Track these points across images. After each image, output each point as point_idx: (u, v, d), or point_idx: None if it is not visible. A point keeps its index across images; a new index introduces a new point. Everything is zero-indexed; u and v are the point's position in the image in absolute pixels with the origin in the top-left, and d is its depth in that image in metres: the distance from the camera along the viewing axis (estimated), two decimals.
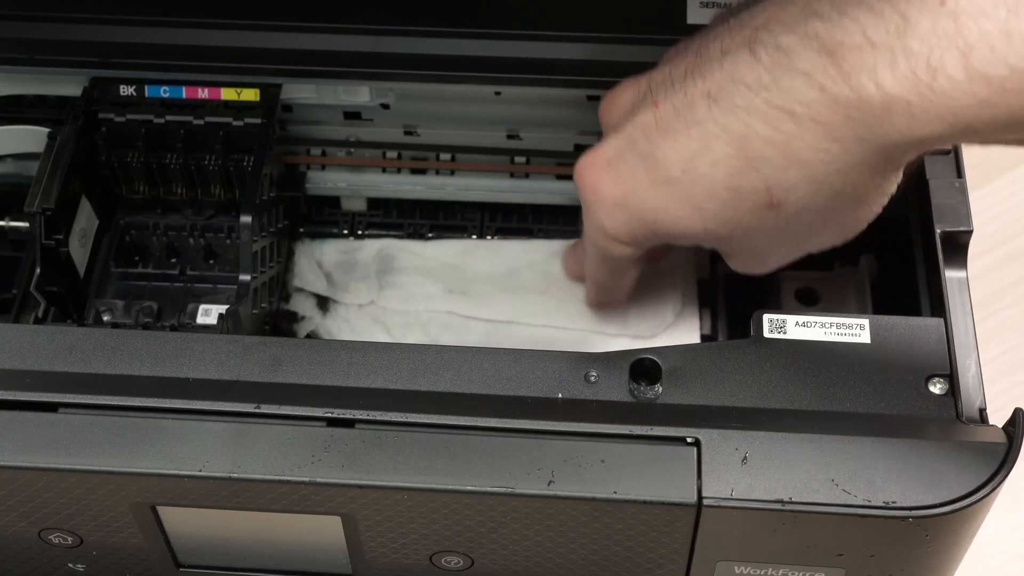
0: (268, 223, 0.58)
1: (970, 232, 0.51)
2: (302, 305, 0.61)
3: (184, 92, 0.58)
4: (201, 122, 0.58)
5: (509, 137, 0.61)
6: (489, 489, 0.44)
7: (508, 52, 0.56)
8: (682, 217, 0.46)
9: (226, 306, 0.56)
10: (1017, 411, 0.45)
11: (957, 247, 0.51)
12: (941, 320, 0.49)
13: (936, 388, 0.47)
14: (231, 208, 0.61)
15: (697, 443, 0.44)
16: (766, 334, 0.49)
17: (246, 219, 0.55)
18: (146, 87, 0.58)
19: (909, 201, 0.54)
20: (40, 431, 0.45)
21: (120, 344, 0.48)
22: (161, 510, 0.47)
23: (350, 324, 0.60)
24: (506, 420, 0.45)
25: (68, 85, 0.59)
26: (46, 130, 0.58)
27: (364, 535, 0.47)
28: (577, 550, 0.47)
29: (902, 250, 0.54)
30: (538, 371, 0.48)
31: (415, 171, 0.63)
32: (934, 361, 0.48)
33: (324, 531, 0.47)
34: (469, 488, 0.44)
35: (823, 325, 0.49)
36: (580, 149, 0.61)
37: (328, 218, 0.64)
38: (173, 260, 0.61)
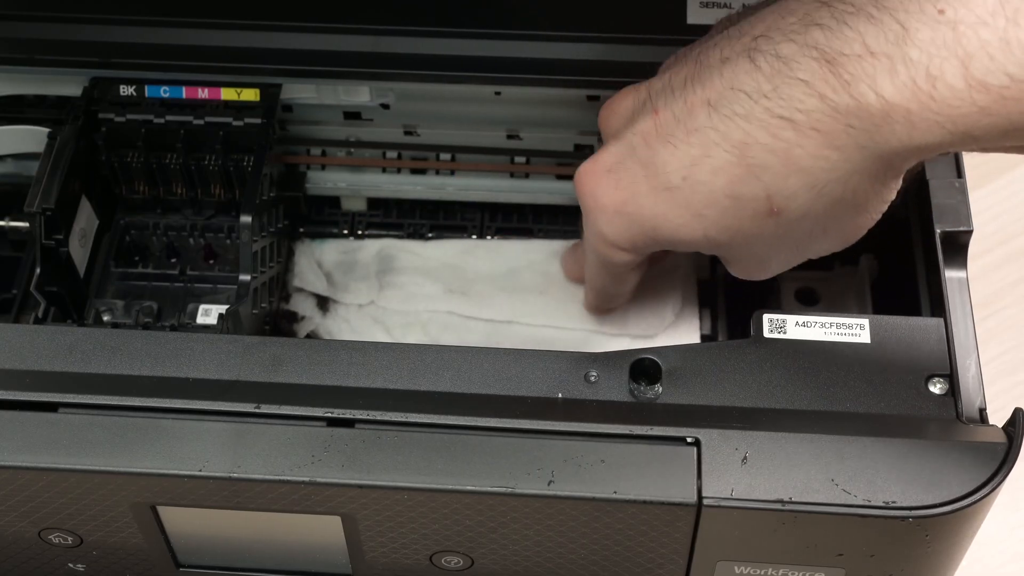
0: (268, 223, 0.58)
1: (970, 232, 0.51)
2: (302, 305, 0.61)
3: (184, 92, 0.58)
4: (201, 122, 0.58)
5: (509, 137, 0.61)
6: (489, 489, 0.44)
7: (508, 52, 0.56)
8: (682, 224, 0.46)
9: (226, 306, 0.56)
10: (1017, 411, 0.45)
11: (957, 247, 0.51)
12: (941, 320, 0.49)
13: (936, 388, 0.47)
14: (231, 208, 0.61)
15: (697, 443, 0.44)
16: (766, 334, 0.49)
17: (246, 219, 0.55)
18: (146, 87, 0.58)
19: (909, 201, 0.54)
20: (40, 431, 0.45)
21: (120, 344, 0.48)
22: (161, 510, 0.47)
23: (350, 324, 0.60)
24: (506, 420, 0.45)
25: (68, 85, 0.59)
26: (46, 130, 0.58)
27: (364, 535, 0.47)
28: (577, 550, 0.47)
29: (902, 250, 0.54)
30: (538, 371, 0.48)
31: (415, 171, 0.63)
32: (934, 361, 0.48)
33: (324, 531, 0.47)
34: (469, 488, 0.44)
35: (823, 325, 0.49)
36: (580, 149, 0.61)
37: (328, 218, 0.64)
38: (173, 260, 0.61)
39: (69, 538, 0.49)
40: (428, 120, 0.61)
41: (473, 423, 0.45)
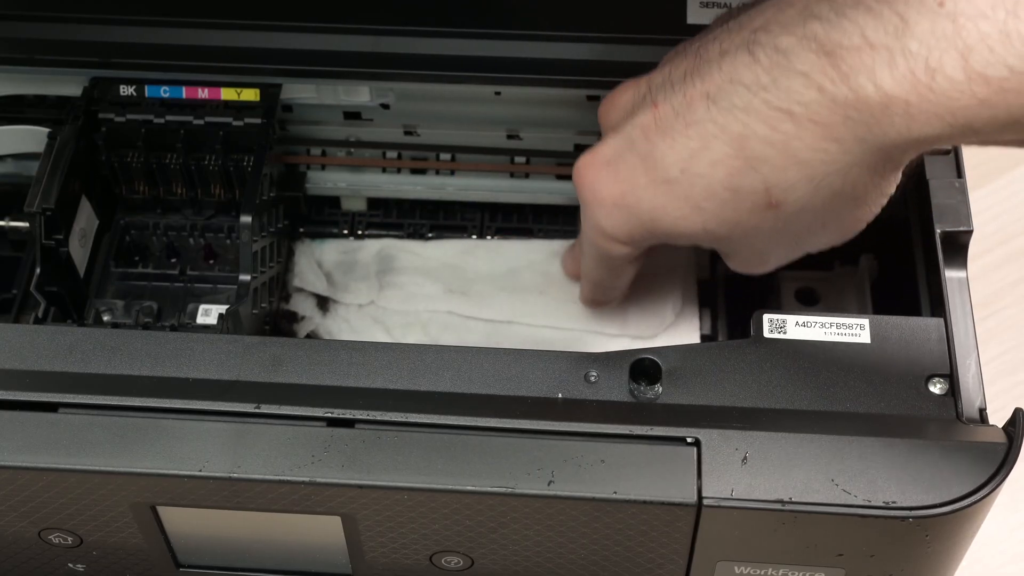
0: (268, 223, 0.58)
1: (970, 232, 0.51)
2: (302, 305, 0.61)
3: (184, 92, 0.58)
4: (201, 122, 0.58)
5: (509, 137, 0.61)
6: (489, 489, 0.44)
7: (508, 52, 0.56)
8: (680, 217, 0.46)
9: (226, 306, 0.56)
10: (1017, 411, 0.45)
11: (957, 247, 0.51)
12: (941, 320, 0.49)
13: (936, 388, 0.47)
14: (231, 208, 0.61)
15: (697, 443, 0.44)
16: (766, 334, 0.49)
17: (246, 219, 0.55)
18: (146, 87, 0.58)
19: (909, 201, 0.54)
20: (40, 431, 0.45)
21: (120, 344, 0.48)
22: (161, 510, 0.47)
23: (350, 324, 0.60)
24: (506, 420, 0.45)
25: (68, 85, 0.59)
26: (46, 130, 0.58)
27: (364, 535, 0.47)
28: (577, 550, 0.47)
29: (902, 250, 0.54)
30: (538, 371, 0.48)
31: (415, 171, 0.63)
32: (934, 361, 0.48)
33: (324, 531, 0.47)
34: (469, 488, 0.44)
35: (823, 325, 0.49)
36: (580, 149, 0.61)
37: (328, 218, 0.64)
38: (173, 260, 0.61)
39: (69, 538, 0.49)
40: (428, 120, 0.61)
41: (473, 423, 0.45)
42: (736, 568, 0.47)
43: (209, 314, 0.58)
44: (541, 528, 0.46)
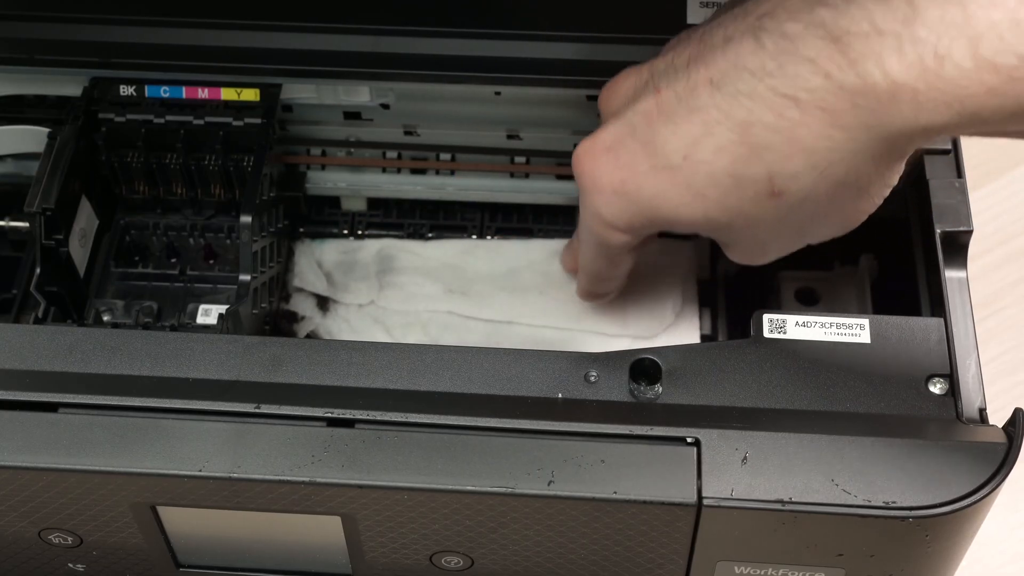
0: (268, 223, 0.58)
1: (970, 232, 0.51)
2: (302, 305, 0.61)
3: (184, 92, 0.58)
4: (201, 122, 0.58)
5: (509, 137, 0.61)
6: (489, 489, 0.44)
7: (508, 52, 0.56)
8: (682, 204, 0.45)
9: (226, 306, 0.56)
10: (1017, 411, 0.45)
11: (957, 247, 0.51)
12: (941, 320, 0.49)
13: (936, 388, 0.47)
14: (231, 208, 0.61)
15: (697, 443, 0.44)
16: (766, 334, 0.49)
17: (246, 219, 0.55)
18: (146, 87, 0.58)
19: (909, 201, 0.54)
20: (40, 431, 0.45)
21: (120, 344, 0.48)
22: (161, 510, 0.47)
23: (350, 324, 0.60)
24: (506, 420, 0.45)
25: (68, 85, 0.59)
26: (46, 130, 0.58)
27: (364, 535, 0.47)
28: (577, 550, 0.47)
29: (902, 250, 0.54)
30: (538, 371, 0.48)
31: (415, 171, 0.63)
32: (934, 361, 0.48)
33: (324, 531, 0.47)
34: (469, 488, 0.44)
35: (823, 325, 0.49)
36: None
37: (328, 218, 0.64)
38: (173, 260, 0.61)
39: (69, 538, 0.49)
40: (428, 120, 0.61)
41: (473, 423, 0.45)
42: (736, 568, 0.47)
43: (209, 314, 0.58)
44: (541, 528, 0.46)
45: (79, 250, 0.58)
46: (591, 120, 0.58)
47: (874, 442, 0.44)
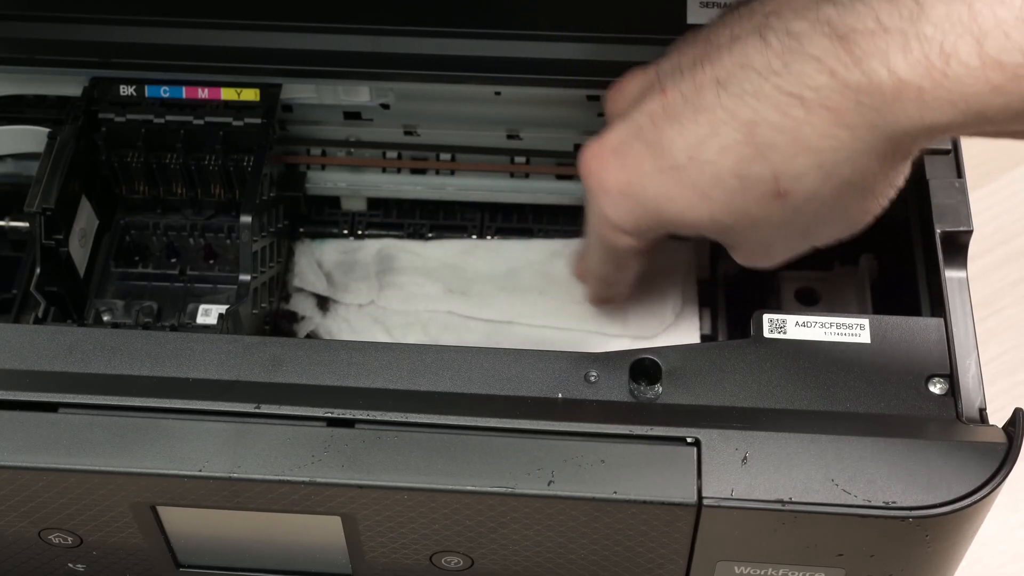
0: (268, 223, 0.58)
1: (970, 232, 0.51)
2: (302, 305, 0.61)
3: (184, 92, 0.58)
4: (201, 122, 0.58)
5: (509, 137, 0.61)
6: (489, 489, 0.44)
7: (508, 52, 0.56)
8: (687, 205, 0.45)
9: (226, 306, 0.56)
10: (1017, 411, 0.45)
11: (957, 247, 0.51)
12: (941, 320, 0.49)
13: (936, 388, 0.47)
14: (231, 208, 0.61)
15: (697, 443, 0.44)
16: (766, 334, 0.49)
17: (246, 219, 0.55)
18: (146, 87, 0.58)
19: (909, 201, 0.54)
20: (40, 431, 0.45)
21: (120, 344, 0.48)
22: (161, 510, 0.47)
23: (350, 324, 0.60)
24: (506, 420, 0.45)
25: (68, 85, 0.59)
26: (46, 130, 0.58)
27: (364, 535, 0.47)
28: (577, 550, 0.47)
29: (902, 250, 0.54)
30: (538, 371, 0.48)
31: (415, 171, 0.63)
32: (934, 361, 0.48)
33: (324, 531, 0.47)
34: (469, 488, 0.44)
35: (823, 325, 0.49)
36: (580, 149, 0.61)
37: (328, 218, 0.64)
38: (173, 260, 0.61)
39: (69, 538, 0.49)
40: (428, 120, 0.61)
41: (473, 423, 0.45)
42: (736, 568, 0.47)
43: (209, 314, 0.58)
44: (541, 528, 0.46)
45: (79, 250, 0.58)
46: (591, 120, 0.58)
47: (874, 442, 0.44)
